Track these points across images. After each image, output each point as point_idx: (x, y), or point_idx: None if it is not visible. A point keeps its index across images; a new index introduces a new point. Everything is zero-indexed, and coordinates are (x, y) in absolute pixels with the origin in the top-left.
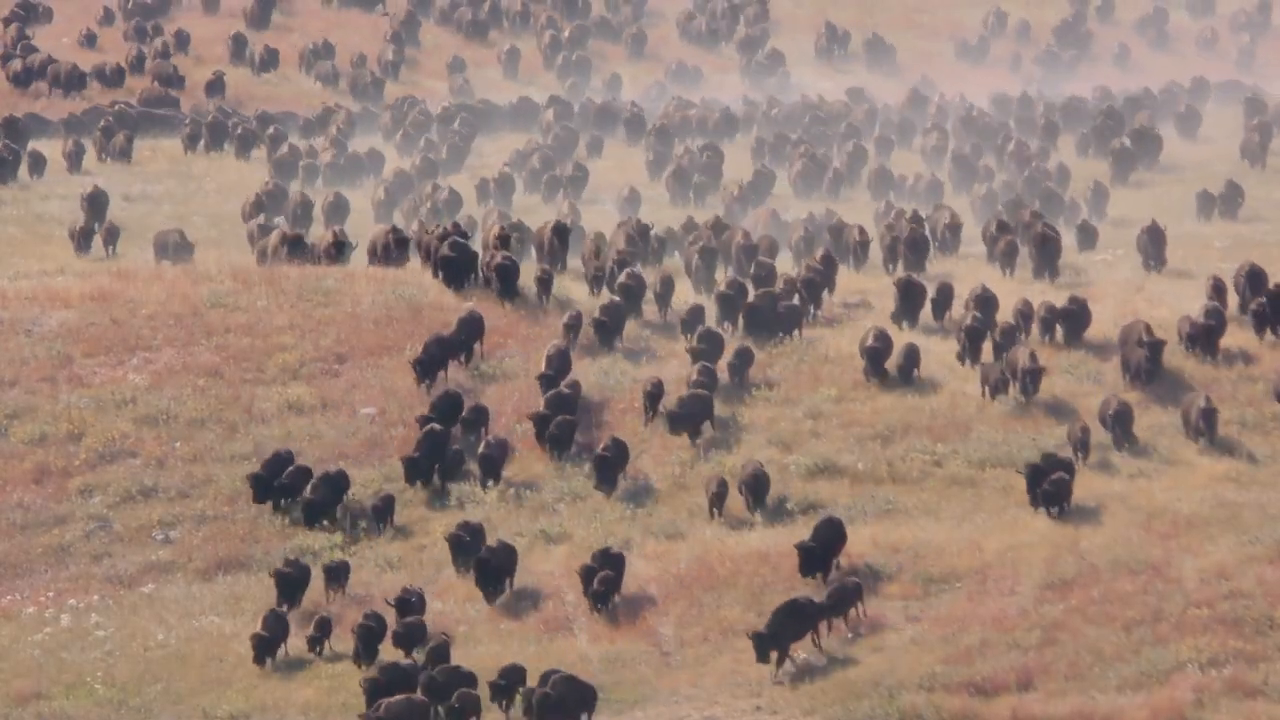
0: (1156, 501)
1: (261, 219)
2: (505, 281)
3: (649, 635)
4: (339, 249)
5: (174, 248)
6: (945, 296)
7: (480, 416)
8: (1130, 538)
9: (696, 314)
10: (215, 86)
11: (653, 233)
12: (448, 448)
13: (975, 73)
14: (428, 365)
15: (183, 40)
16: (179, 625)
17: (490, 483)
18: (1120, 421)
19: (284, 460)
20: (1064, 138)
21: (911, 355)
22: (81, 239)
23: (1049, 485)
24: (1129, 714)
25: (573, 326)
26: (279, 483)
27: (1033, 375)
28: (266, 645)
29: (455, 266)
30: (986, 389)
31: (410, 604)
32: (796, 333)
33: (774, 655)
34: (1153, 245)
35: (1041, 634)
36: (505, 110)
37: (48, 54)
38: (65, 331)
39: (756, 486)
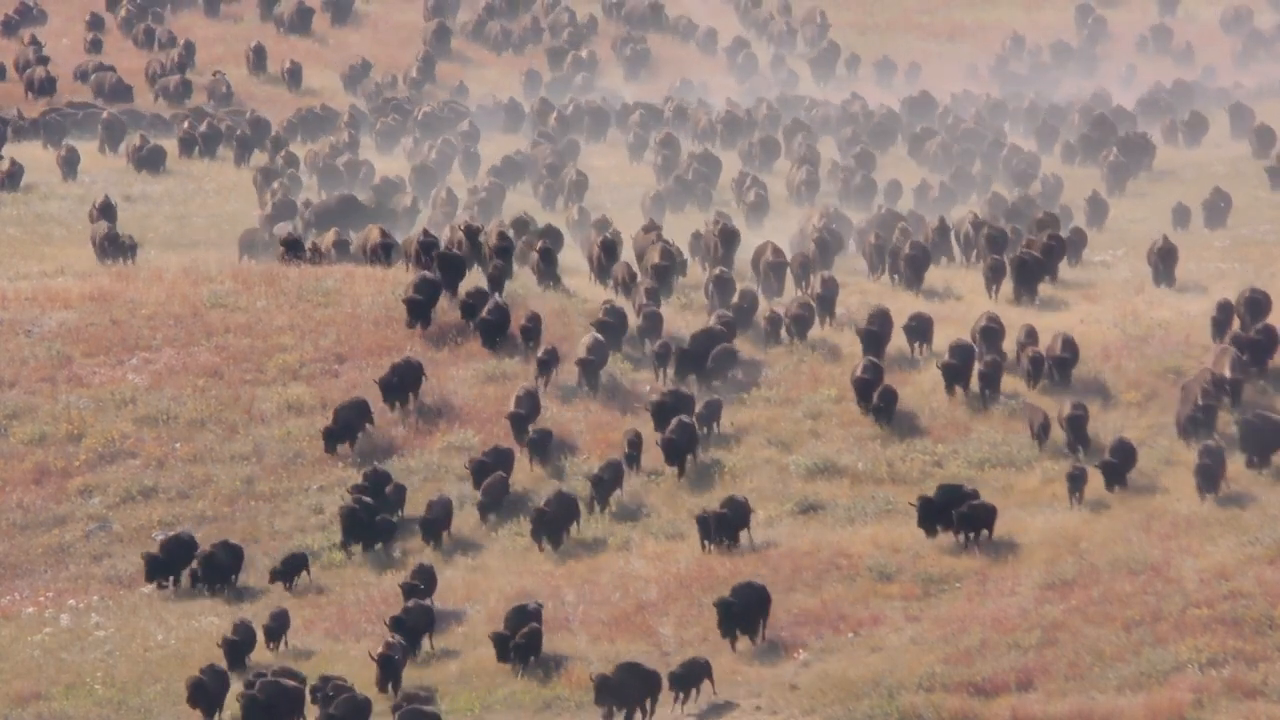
0: (1156, 501)
1: (291, 226)
2: (488, 335)
3: (649, 635)
4: (385, 250)
5: (263, 246)
6: (923, 329)
7: (399, 496)
8: (1130, 538)
9: (665, 351)
10: (216, 88)
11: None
12: (374, 518)
13: (975, 77)
14: (337, 435)
15: (191, 47)
16: (179, 625)
17: (433, 544)
18: (1112, 471)
19: (186, 542)
20: (1060, 145)
21: (888, 396)
22: (103, 246)
23: (966, 510)
24: (1129, 714)
25: (546, 365)
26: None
27: (1075, 423)
28: (203, 693)
29: (419, 307)
30: (1031, 432)
31: (393, 660)
32: (730, 375)
33: (614, 708)
34: (1163, 263)
35: (1041, 634)
36: (492, 111)
37: (98, 61)
38: (65, 332)
39: (722, 523)
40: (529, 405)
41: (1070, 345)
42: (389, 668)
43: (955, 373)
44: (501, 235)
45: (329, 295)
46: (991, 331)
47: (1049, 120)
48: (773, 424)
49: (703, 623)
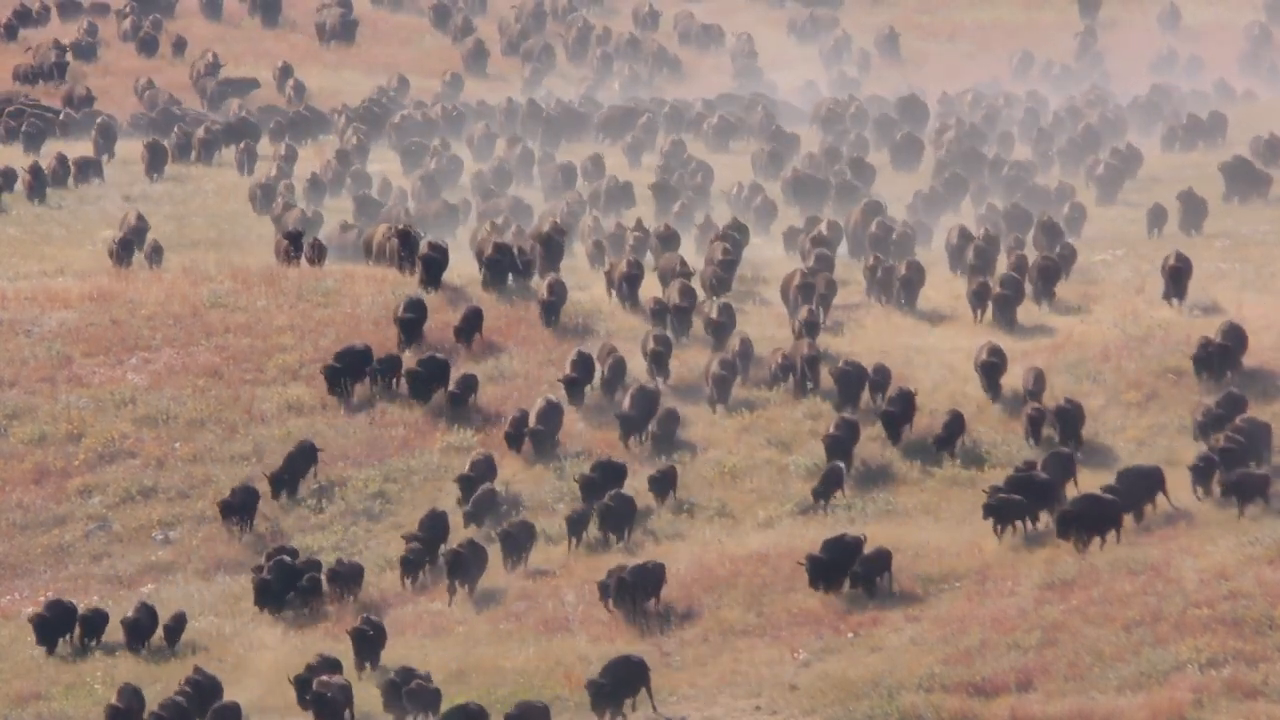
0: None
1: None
2: (416, 388)
3: (649, 635)
4: (406, 244)
5: (351, 248)
6: (882, 380)
7: (313, 569)
8: (1130, 538)
9: (647, 396)
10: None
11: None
12: (296, 578)
13: (974, 79)
14: (235, 509)
15: (215, 58)
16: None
17: (345, 598)
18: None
19: (68, 607)
20: (1058, 150)
21: (834, 475)
22: (121, 253)
23: (858, 569)
24: (1129, 714)
25: (515, 439)
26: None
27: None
28: (121, 718)
29: (336, 376)
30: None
31: (326, 699)
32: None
33: None
34: (1175, 280)
35: (1041, 634)
36: (485, 114)
37: (153, 81)
38: (65, 331)
39: (623, 589)
40: (481, 470)
41: (1074, 407)
42: (321, 706)
43: (895, 420)
44: (495, 253)
45: (329, 295)
46: (992, 367)
47: (1046, 127)
48: (773, 424)
49: (703, 622)
